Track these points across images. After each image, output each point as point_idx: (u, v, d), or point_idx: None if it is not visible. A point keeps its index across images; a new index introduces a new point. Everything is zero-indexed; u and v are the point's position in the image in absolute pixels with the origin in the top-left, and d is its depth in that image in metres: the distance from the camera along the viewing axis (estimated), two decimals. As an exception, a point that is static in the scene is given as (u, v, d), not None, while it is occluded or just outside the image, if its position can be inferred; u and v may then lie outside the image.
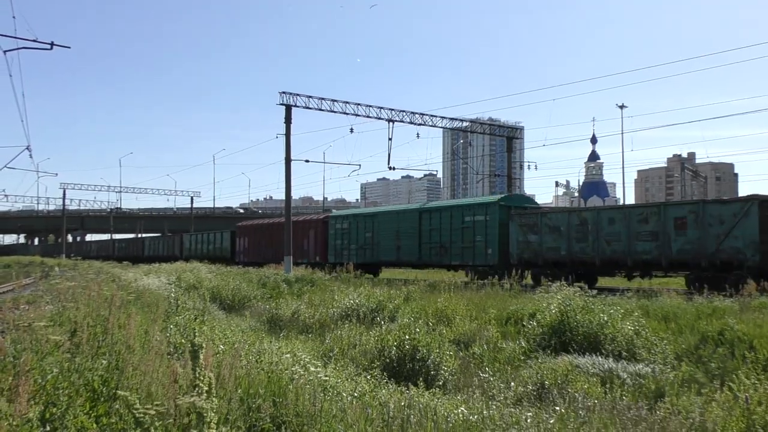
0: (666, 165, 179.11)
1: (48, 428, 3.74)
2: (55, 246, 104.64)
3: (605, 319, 10.28)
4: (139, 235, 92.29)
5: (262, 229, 47.46)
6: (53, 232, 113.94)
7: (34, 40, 27.62)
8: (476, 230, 29.23)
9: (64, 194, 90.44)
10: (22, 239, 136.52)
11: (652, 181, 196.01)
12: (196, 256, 51.19)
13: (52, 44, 27.60)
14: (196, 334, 5.03)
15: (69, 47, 30.41)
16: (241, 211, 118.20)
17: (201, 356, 3.85)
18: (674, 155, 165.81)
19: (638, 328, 10.01)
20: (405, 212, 35.41)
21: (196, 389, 3.65)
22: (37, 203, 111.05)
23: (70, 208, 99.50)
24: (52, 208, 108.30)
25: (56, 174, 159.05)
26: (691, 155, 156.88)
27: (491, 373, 8.48)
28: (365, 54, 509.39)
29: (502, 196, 32.18)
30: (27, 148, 43.86)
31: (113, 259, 63.97)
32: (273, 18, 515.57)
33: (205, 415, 3.54)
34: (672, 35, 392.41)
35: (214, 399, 3.68)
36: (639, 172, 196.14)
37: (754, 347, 9.86)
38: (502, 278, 23.71)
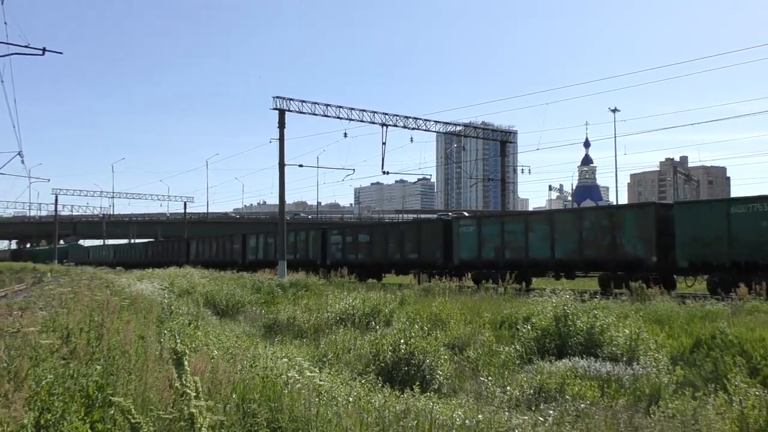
0: (659, 168, 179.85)
1: (43, 434, 3.72)
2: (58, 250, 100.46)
3: (603, 322, 10.28)
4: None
5: None
6: (45, 237, 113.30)
7: (26, 46, 27.58)
8: None
9: (56, 200, 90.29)
10: (14, 245, 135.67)
11: (645, 185, 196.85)
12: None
13: (44, 50, 27.54)
14: (179, 341, 5.02)
15: (61, 53, 30.43)
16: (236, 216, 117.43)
17: (185, 363, 3.84)
18: (667, 159, 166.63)
19: (635, 331, 10.01)
20: None
21: (184, 395, 3.64)
22: (29, 209, 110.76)
23: (63, 213, 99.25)
24: (44, 213, 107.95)
25: (48, 179, 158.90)
26: (684, 159, 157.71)
27: (486, 376, 8.48)
28: (359, 60, 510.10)
29: None
30: (19, 154, 43.81)
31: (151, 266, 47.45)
32: (267, 24, 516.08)
33: (195, 420, 3.53)
34: (664, 39, 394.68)
35: (202, 404, 3.67)
36: (632, 175, 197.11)
37: (746, 351, 9.89)
38: None
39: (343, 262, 37.88)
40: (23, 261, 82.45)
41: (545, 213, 31.81)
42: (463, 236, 31.15)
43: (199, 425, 3.52)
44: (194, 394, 3.65)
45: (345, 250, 39.44)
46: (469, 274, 26.08)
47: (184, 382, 3.68)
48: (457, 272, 28.50)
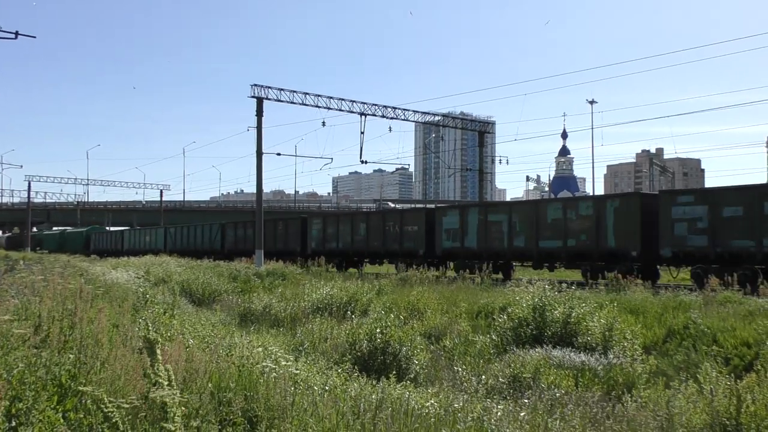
0: (635, 160, 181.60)
1: (14, 423, 3.67)
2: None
3: (579, 312, 10.35)
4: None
5: None
6: (18, 224, 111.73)
7: (-2, 29, 27.07)
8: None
9: (29, 186, 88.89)
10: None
11: (621, 176, 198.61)
12: None
13: (17, 33, 27.10)
14: (152, 330, 4.98)
15: (35, 37, 29.87)
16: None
17: (158, 351, 3.81)
18: (643, 150, 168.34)
19: (610, 321, 10.11)
20: None
21: (156, 384, 3.62)
22: (1, 196, 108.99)
23: (36, 200, 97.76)
24: (16, 200, 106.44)
25: (21, 166, 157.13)
26: (660, 151, 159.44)
27: (462, 365, 8.53)
28: (340, 48, 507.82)
29: None
30: (-9, 139, 42.83)
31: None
32: (245, 11, 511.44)
33: (168, 409, 3.50)
34: (642, 32, 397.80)
35: (176, 392, 3.65)
36: (608, 167, 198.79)
37: (718, 341, 10.04)
38: None
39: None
40: (28, 250, 72.99)
41: None
42: None
43: (172, 414, 3.50)
44: (166, 382, 3.62)
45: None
46: None
47: (156, 370, 3.65)
48: None
